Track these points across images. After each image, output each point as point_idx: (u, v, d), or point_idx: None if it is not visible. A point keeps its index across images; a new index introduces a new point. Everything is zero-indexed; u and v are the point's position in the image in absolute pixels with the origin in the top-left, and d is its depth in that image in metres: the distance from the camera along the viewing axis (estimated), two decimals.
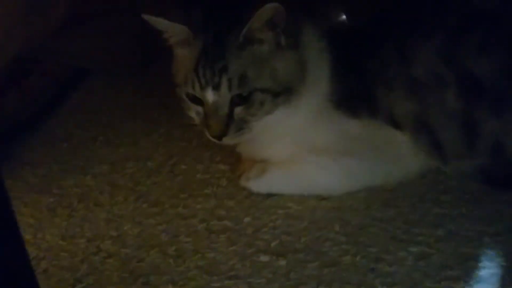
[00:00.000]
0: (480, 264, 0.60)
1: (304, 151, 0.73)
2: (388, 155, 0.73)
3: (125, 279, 0.61)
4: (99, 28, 1.28)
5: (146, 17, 0.63)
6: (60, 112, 1.05)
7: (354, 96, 0.73)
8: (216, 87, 0.64)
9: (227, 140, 0.68)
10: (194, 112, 0.70)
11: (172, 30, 0.66)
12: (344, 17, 0.89)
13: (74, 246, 0.67)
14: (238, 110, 0.66)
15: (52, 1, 1.25)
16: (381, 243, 0.64)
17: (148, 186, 0.80)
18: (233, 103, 0.66)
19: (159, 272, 0.62)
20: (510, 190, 0.71)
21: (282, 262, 0.62)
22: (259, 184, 0.74)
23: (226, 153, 0.84)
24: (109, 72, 1.19)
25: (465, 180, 0.74)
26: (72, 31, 1.27)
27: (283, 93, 0.68)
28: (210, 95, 0.65)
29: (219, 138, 0.67)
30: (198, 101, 0.67)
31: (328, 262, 0.62)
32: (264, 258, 0.63)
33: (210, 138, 0.69)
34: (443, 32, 0.70)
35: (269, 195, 0.74)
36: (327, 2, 0.90)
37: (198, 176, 0.81)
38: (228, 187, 0.77)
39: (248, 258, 0.63)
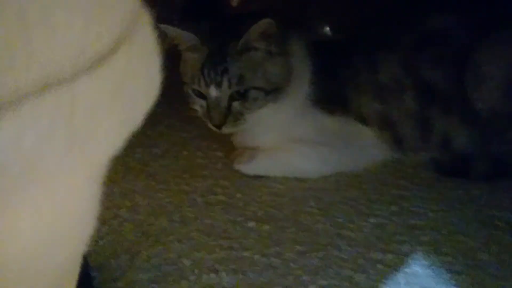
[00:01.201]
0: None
1: (287, 141, 0.88)
2: (356, 146, 0.88)
3: (139, 237, 0.75)
4: None
5: (163, 27, 0.78)
6: None
7: (330, 97, 0.87)
8: (218, 85, 0.79)
9: (225, 129, 0.82)
10: (198, 105, 0.84)
11: (184, 37, 0.80)
12: (328, 30, 1.04)
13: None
14: (235, 104, 0.80)
15: None
16: (347, 215, 0.78)
17: (155, 168, 0.94)
18: (232, 99, 0.80)
19: (167, 233, 0.75)
20: (454, 177, 0.86)
21: (266, 227, 0.76)
22: (249, 167, 0.88)
23: (222, 142, 0.98)
24: None
25: (420, 168, 0.89)
26: None
27: (273, 91, 0.82)
28: (213, 91, 0.80)
29: (219, 127, 0.81)
30: (202, 96, 0.82)
31: (303, 228, 0.76)
32: (251, 224, 0.77)
33: (211, 127, 0.83)
34: (404, 47, 0.85)
35: (257, 177, 0.88)
36: (314, 19, 1.06)
37: (198, 160, 0.95)
38: (223, 170, 0.92)
39: (238, 224, 0.77)
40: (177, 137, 1.04)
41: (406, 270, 0.68)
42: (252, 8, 1.14)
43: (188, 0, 1.34)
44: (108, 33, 0.24)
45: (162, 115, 1.13)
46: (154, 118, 1.05)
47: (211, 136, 1.01)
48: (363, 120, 0.87)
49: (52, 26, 0.22)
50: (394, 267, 0.69)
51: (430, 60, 0.83)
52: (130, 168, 0.94)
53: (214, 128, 0.83)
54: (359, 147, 0.88)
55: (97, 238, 0.75)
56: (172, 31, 0.79)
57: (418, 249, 0.72)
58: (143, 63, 0.29)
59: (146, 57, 0.30)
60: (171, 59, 0.89)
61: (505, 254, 0.71)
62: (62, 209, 0.28)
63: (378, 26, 0.90)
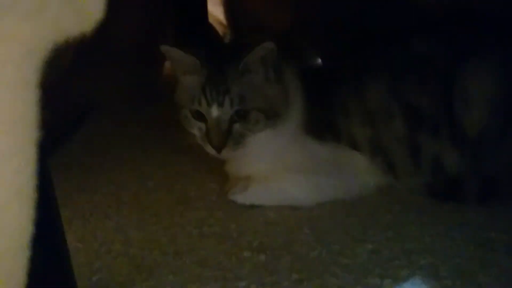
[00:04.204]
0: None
1: (281, 169, 0.88)
2: (349, 173, 0.88)
3: (132, 271, 0.73)
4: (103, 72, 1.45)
5: (164, 48, 0.80)
6: (71, 145, 1.19)
7: (322, 124, 0.88)
8: (220, 104, 0.79)
9: (225, 153, 0.82)
10: (196, 128, 0.83)
11: (184, 59, 0.82)
12: (318, 59, 1.07)
13: (89, 248, 0.79)
14: (236, 126, 0.81)
15: (62, 49, 1.41)
16: (343, 242, 0.78)
17: (149, 201, 0.93)
18: (232, 120, 0.81)
19: (161, 266, 0.74)
20: (448, 201, 0.86)
21: (262, 257, 0.75)
22: (243, 197, 0.88)
23: (216, 175, 0.98)
24: (113, 109, 1.35)
25: (414, 193, 0.89)
26: (79, 73, 1.44)
27: (273, 116, 0.83)
28: (214, 111, 0.80)
29: (219, 150, 0.81)
30: (202, 118, 0.82)
31: (298, 257, 0.75)
32: (246, 254, 0.76)
33: (210, 151, 0.83)
34: (390, 72, 0.86)
35: (252, 206, 0.87)
36: (304, 49, 1.09)
37: (192, 193, 0.95)
38: (217, 201, 0.91)
39: (233, 254, 0.76)
40: (170, 171, 1.04)
41: None
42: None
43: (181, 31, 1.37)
44: None
45: (155, 149, 1.13)
46: (147, 152, 1.05)
47: (204, 169, 1.02)
48: (355, 147, 0.87)
49: None
50: None
51: (416, 84, 0.85)
52: (123, 202, 0.93)
53: (213, 152, 0.82)
54: (352, 173, 0.88)
55: (90, 275, 0.73)
56: (173, 52, 0.81)
57: (416, 273, 0.71)
58: None
59: None
60: (165, 92, 0.90)
61: (505, 276, 0.70)
62: None
63: (364, 53, 0.91)
